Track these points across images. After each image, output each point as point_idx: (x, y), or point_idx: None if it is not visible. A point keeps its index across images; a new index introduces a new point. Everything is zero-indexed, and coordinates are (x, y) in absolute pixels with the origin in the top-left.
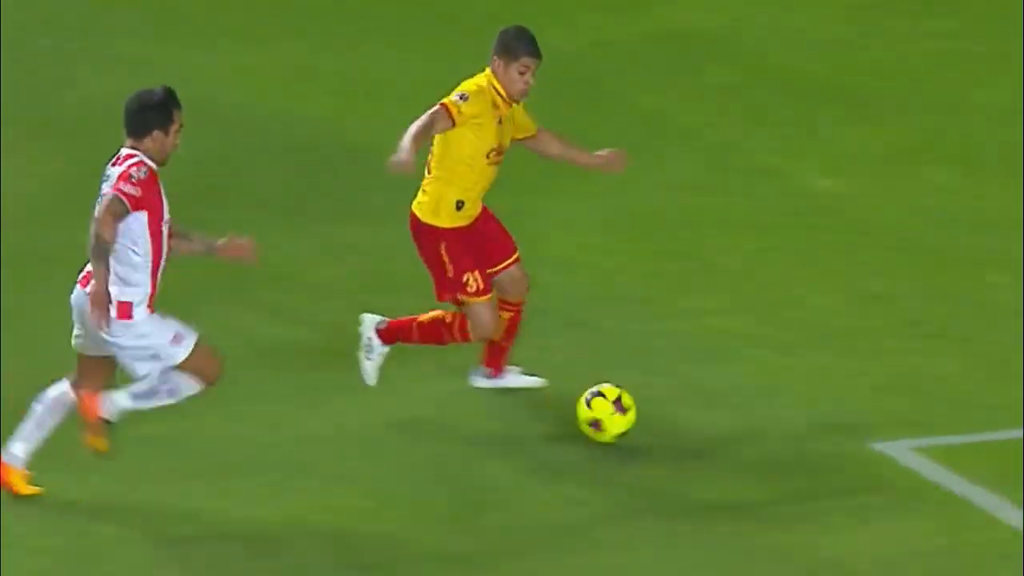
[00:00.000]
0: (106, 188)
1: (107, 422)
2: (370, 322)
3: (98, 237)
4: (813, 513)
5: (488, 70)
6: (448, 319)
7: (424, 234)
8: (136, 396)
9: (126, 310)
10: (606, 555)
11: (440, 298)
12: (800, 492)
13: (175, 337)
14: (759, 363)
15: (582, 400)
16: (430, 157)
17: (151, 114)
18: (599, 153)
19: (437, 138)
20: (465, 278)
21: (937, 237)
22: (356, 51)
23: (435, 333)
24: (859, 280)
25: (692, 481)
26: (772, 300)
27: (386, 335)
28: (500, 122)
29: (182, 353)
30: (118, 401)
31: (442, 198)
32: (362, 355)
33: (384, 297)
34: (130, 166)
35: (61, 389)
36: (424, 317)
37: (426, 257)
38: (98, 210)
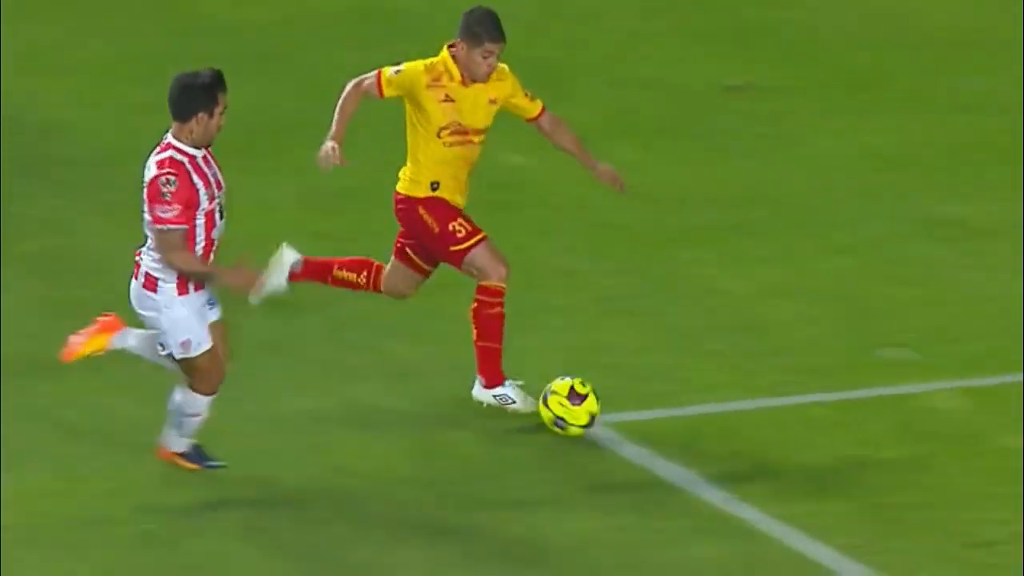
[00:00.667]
0: (147, 178)
1: (183, 454)
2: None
3: (180, 271)
4: (503, 489)
5: (446, 50)
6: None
7: (404, 208)
8: (178, 430)
9: (152, 283)
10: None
11: (457, 263)
12: (488, 470)
13: (184, 344)
14: (445, 340)
15: (539, 403)
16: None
17: (196, 97)
18: (604, 167)
19: (410, 127)
20: (451, 227)
21: (626, 214)
22: None
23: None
24: (549, 257)
25: (377, 458)
26: (460, 277)
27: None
28: (448, 99)
29: (179, 354)
30: (174, 441)
31: (417, 175)
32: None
33: None
34: (158, 176)
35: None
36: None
37: (414, 231)
38: (157, 247)
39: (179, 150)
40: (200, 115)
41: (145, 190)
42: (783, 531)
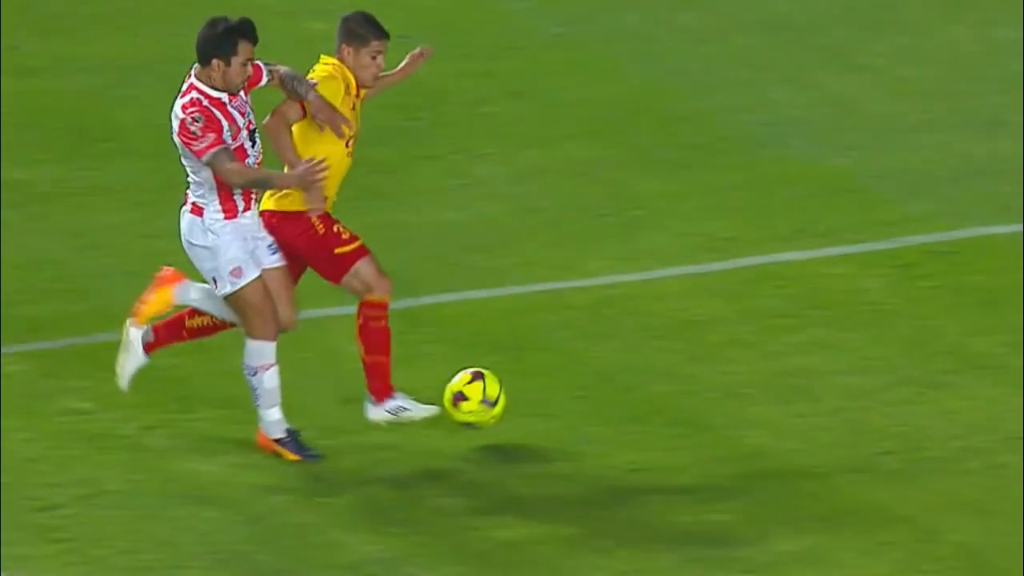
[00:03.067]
0: (175, 125)
1: (281, 441)
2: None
3: (242, 184)
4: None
5: (333, 59)
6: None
7: (288, 223)
8: (258, 400)
9: (198, 209)
10: None
11: (334, 274)
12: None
13: (234, 272)
14: None
15: (450, 407)
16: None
17: (211, 43)
18: (406, 64)
19: (295, 131)
20: (336, 228)
21: None
22: None
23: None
24: None
25: None
26: None
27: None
28: (353, 108)
29: (229, 287)
30: (268, 423)
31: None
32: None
33: None
34: (184, 119)
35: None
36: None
37: (297, 242)
38: (211, 162)
39: (201, 92)
40: (216, 61)
41: (177, 136)
42: None
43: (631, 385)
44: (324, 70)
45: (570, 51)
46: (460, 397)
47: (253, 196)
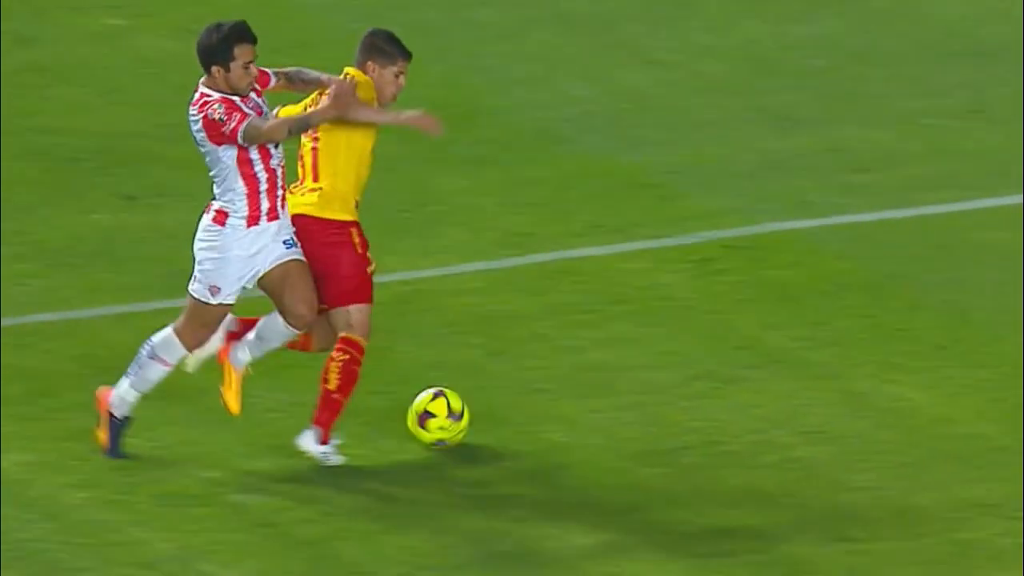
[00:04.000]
0: (199, 125)
1: (112, 419)
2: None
3: (287, 133)
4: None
5: (358, 71)
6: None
7: (325, 229)
8: (135, 374)
9: (222, 217)
10: None
11: (340, 297)
12: None
13: (212, 289)
14: None
15: (417, 428)
16: (312, 157)
17: (209, 51)
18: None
19: (326, 136)
20: (369, 255)
21: None
22: None
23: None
24: None
25: None
26: None
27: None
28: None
29: (200, 296)
30: (122, 393)
31: (347, 196)
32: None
33: None
34: (204, 113)
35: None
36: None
37: (326, 251)
38: (249, 133)
39: (211, 94)
40: (215, 68)
41: (204, 133)
42: None
43: (431, 381)
44: (357, 74)
45: None
46: (427, 415)
47: (279, 198)
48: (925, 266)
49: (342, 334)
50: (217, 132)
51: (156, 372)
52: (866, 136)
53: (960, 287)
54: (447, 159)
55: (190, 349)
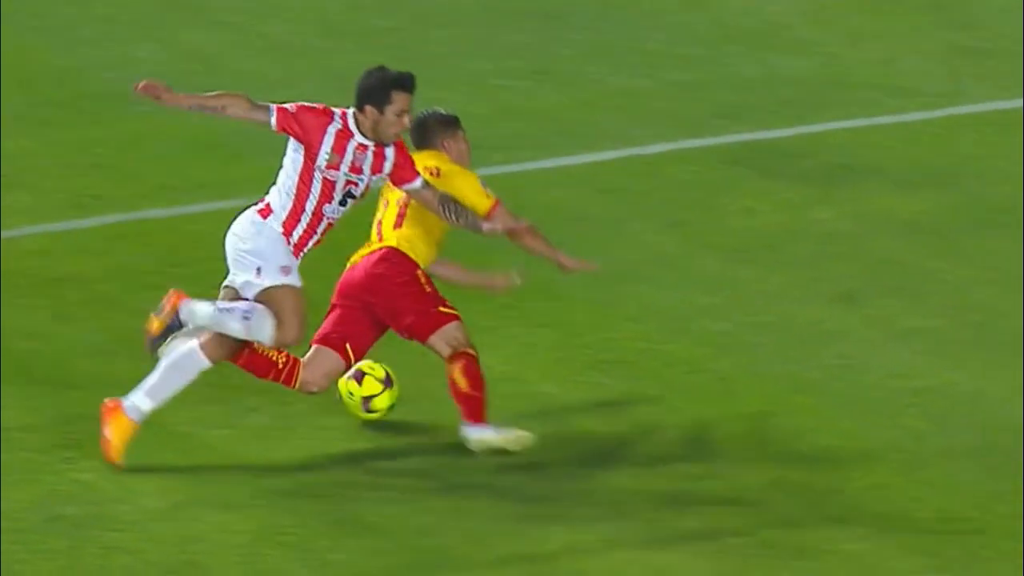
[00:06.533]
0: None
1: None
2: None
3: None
4: None
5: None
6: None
7: (406, 266)
8: (213, 311)
9: (267, 210)
10: None
11: (425, 329)
12: None
13: (284, 267)
14: None
15: (363, 412)
16: (400, 207)
17: (368, 91)
18: None
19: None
20: (435, 287)
21: None
22: None
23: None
24: None
25: None
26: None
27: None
28: None
29: (278, 280)
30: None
31: (422, 242)
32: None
33: None
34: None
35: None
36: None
37: (402, 291)
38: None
39: (346, 120)
40: (368, 108)
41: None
42: None
43: None
44: (441, 162)
45: None
46: (367, 400)
47: (310, 241)
48: None
49: (448, 353)
50: (286, 119)
51: (235, 328)
52: (434, 97)
53: None
54: (10, 120)
55: (286, 342)
